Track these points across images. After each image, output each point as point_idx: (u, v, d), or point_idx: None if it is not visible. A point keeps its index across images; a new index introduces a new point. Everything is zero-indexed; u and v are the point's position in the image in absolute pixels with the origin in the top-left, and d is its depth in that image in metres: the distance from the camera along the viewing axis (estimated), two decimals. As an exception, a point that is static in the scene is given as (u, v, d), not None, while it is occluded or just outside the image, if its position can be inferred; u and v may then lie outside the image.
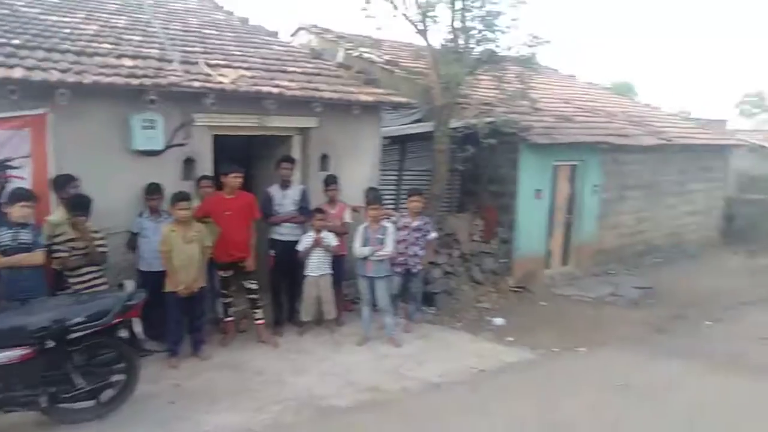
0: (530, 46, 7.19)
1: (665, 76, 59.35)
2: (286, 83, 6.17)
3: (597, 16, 62.92)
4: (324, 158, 6.60)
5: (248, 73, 6.15)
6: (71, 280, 4.69)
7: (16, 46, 5.22)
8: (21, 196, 4.39)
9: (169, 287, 4.93)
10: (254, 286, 5.57)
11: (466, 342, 6.12)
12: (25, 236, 4.33)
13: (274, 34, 8.42)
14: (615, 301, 8.34)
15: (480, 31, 7.00)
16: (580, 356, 5.78)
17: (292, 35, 10.75)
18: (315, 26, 10.46)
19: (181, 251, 4.88)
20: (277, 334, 5.81)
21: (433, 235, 6.29)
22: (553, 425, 4.12)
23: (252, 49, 7.23)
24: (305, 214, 5.90)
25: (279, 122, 6.15)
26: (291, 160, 5.99)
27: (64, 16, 6.61)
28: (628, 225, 10.74)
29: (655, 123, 12.03)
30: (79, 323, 3.76)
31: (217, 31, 7.77)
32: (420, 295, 6.81)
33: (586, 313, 7.83)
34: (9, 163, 4.75)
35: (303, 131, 6.50)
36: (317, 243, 5.73)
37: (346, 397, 4.58)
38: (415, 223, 6.07)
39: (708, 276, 9.90)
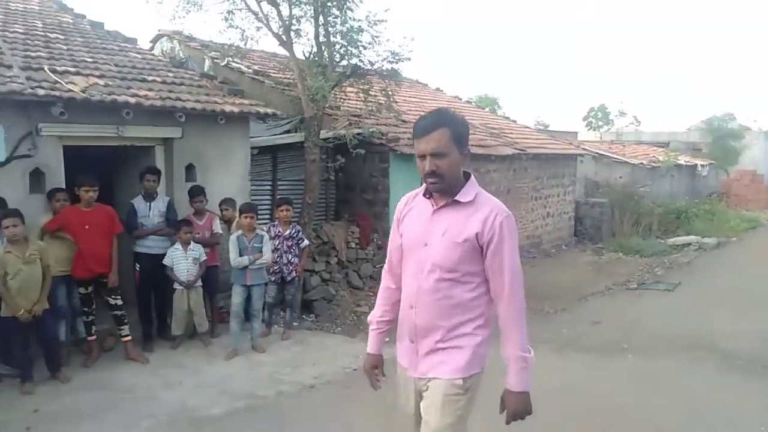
0: (391, 62, 7.61)
1: (527, 90, 65.40)
2: (144, 92, 6.00)
3: (472, 34, 67.65)
4: (190, 168, 6.47)
5: (101, 82, 5.89)
6: None
7: None
8: None
9: (5, 312, 4.52)
10: (118, 302, 5.31)
11: (342, 345, 6.28)
12: None
13: (133, 41, 8.09)
14: (482, 298, 8.98)
15: (343, 46, 7.30)
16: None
17: (152, 42, 10.42)
18: (178, 33, 10.24)
19: (20, 273, 4.50)
20: (147, 350, 5.58)
21: (306, 242, 6.41)
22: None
23: (105, 56, 6.91)
24: (172, 226, 5.76)
25: (139, 132, 5.95)
26: (155, 171, 5.82)
27: None
28: (492, 228, 11.63)
29: (511, 134, 13.20)
30: None
31: (64, 35, 7.33)
32: (298, 303, 6.88)
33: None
34: None
35: (166, 141, 6.33)
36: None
37: (221, 405, 4.53)
38: (287, 232, 6.16)
39: (561, 272, 10.98)
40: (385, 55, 7.66)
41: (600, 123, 34.01)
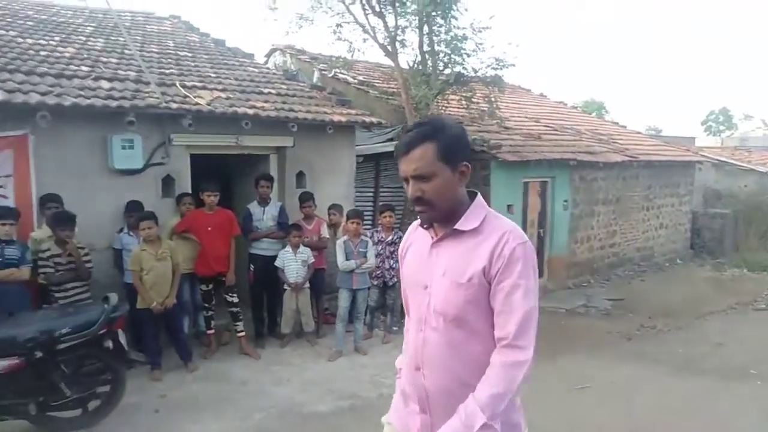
0: (495, 68, 7.55)
1: (637, 94, 61.94)
2: (261, 104, 6.42)
3: (577, 39, 65.25)
4: (300, 176, 6.82)
5: (223, 95, 6.38)
6: (57, 296, 4.77)
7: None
8: (2, 214, 4.52)
9: (141, 304, 5.03)
10: (235, 300, 5.71)
11: (441, 351, 6.28)
12: (11, 252, 4.46)
13: (250, 56, 8.70)
14: (587, 312, 8.60)
15: (446, 55, 7.35)
16: (549, 363, 6.00)
17: (267, 56, 11.07)
18: (290, 47, 10.80)
19: (153, 269, 5.00)
20: (258, 347, 5.93)
21: (407, 248, 6.48)
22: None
23: (227, 71, 7.50)
24: (283, 229, 6.08)
25: (255, 142, 6.37)
26: (269, 178, 6.18)
27: (40, 39, 6.76)
28: (599, 238, 11.10)
29: (621, 140, 12.54)
30: (65, 334, 3.86)
31: (191, 53, 8.05)
32: (398, 308, 6.96)
33: (559, 323, 8.05)
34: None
35: (279, 150, 6.72)
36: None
37: (327, 403, 4.72)
38: (389, 238, 6.27)
39: (676, 288, 10.24)
40: (489, 61, 7.63)
41: (721, 127, 31.36)
